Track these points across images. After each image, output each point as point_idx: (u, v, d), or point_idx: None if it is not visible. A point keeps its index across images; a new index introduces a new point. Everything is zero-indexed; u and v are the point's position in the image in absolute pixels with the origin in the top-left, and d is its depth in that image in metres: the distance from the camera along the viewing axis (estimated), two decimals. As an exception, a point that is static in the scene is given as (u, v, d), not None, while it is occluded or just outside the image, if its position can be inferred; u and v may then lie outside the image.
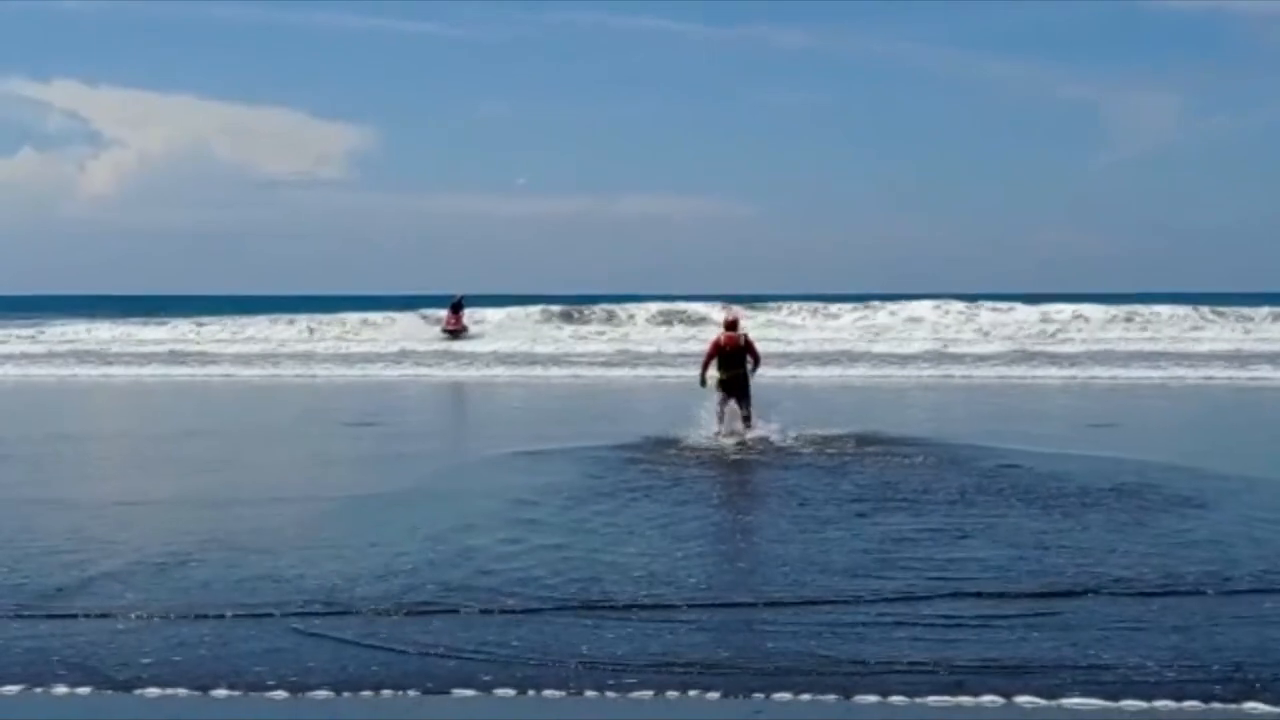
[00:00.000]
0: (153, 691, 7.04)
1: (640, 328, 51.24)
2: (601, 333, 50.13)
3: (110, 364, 38.00)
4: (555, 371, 35.28)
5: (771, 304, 54.77)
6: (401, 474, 15.29)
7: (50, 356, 40.48)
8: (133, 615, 8.50)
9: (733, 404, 17.28)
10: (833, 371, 34.39)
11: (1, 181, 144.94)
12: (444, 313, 50.10)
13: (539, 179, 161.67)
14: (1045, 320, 49.01)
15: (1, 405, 27.72)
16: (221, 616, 8.48)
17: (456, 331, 47.65)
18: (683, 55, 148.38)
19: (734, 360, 17.24)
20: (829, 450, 16.39)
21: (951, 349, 40.43)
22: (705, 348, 18.45)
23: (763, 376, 18.60)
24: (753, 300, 55.80)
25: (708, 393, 17.74)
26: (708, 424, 17.39)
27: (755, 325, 37.65)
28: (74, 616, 8.51)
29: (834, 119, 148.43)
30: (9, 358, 40.04)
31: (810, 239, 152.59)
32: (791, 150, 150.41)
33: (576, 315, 53.67)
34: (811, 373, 33.41)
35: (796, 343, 42.61)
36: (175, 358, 40.25)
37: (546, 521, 12.02)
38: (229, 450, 18.26)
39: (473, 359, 39.32)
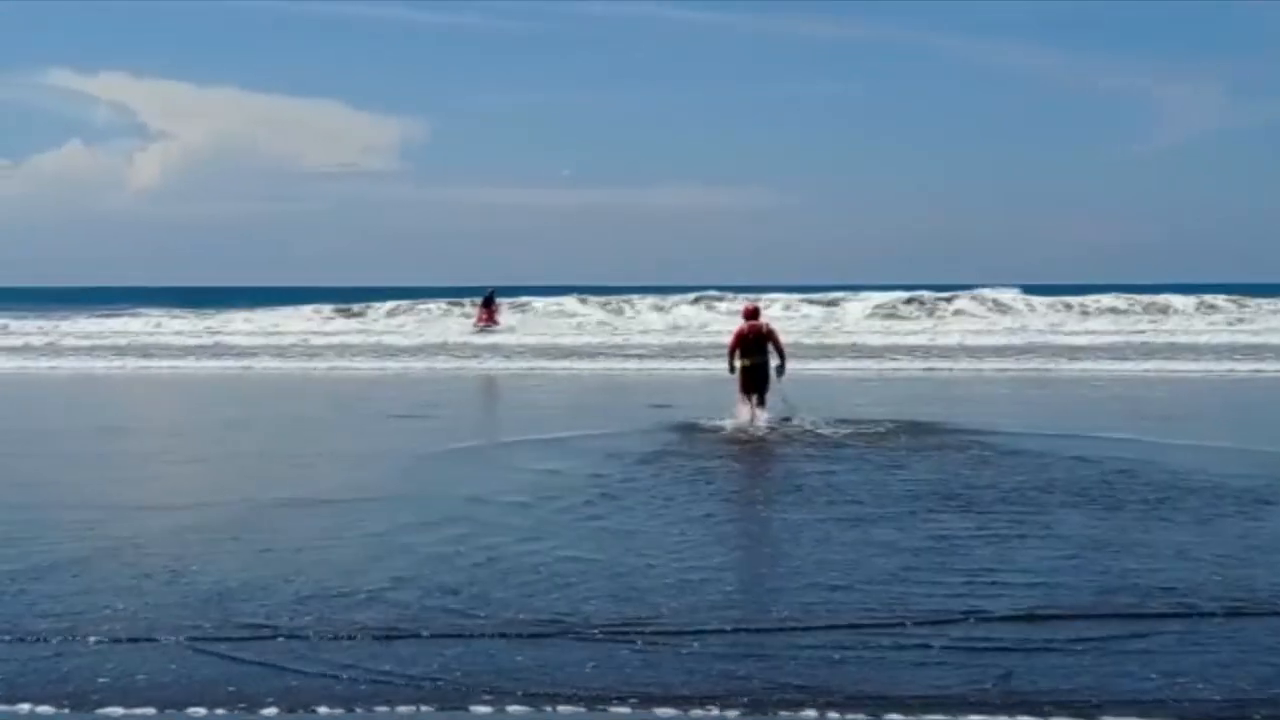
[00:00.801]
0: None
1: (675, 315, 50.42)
2: (639, 327, 49.13)
3: (150, 356, 37.50)
4: (585, 364, 34.29)
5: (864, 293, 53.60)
6: (419, 472, 14.61)
7: (94, 350, 40.15)
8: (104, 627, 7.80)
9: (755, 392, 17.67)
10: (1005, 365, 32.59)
11: (50, 174, 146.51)
12: (474, 307, 49.26)
13: (588, 170, 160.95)
14: (1147, 310, 48.65)
15: (42, 398, 27.16)
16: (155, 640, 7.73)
17: (489, 326, 46.42)
18: (725, 46, 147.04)
19: (755, 348, 17.61)
20: (884, 443, 16.00)
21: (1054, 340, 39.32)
22: (728, 339, 18.86)
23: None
24: (821, 290, 54.48)
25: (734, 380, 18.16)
26: (734, 412, 17.74)
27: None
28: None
29: (874, 109, 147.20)
30: (53, 350, 40.09)
31: (848, 229, 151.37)
32: (829, 140, 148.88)
33: (610, 305, 52.90)
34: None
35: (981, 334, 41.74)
36: (211, 351, 39.78)
37: (557, 520, 11.34)
38: (210, 449, 17.44)
39: (495, 351, 38.29)
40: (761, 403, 17.51)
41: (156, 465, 15.71)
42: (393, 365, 34.01)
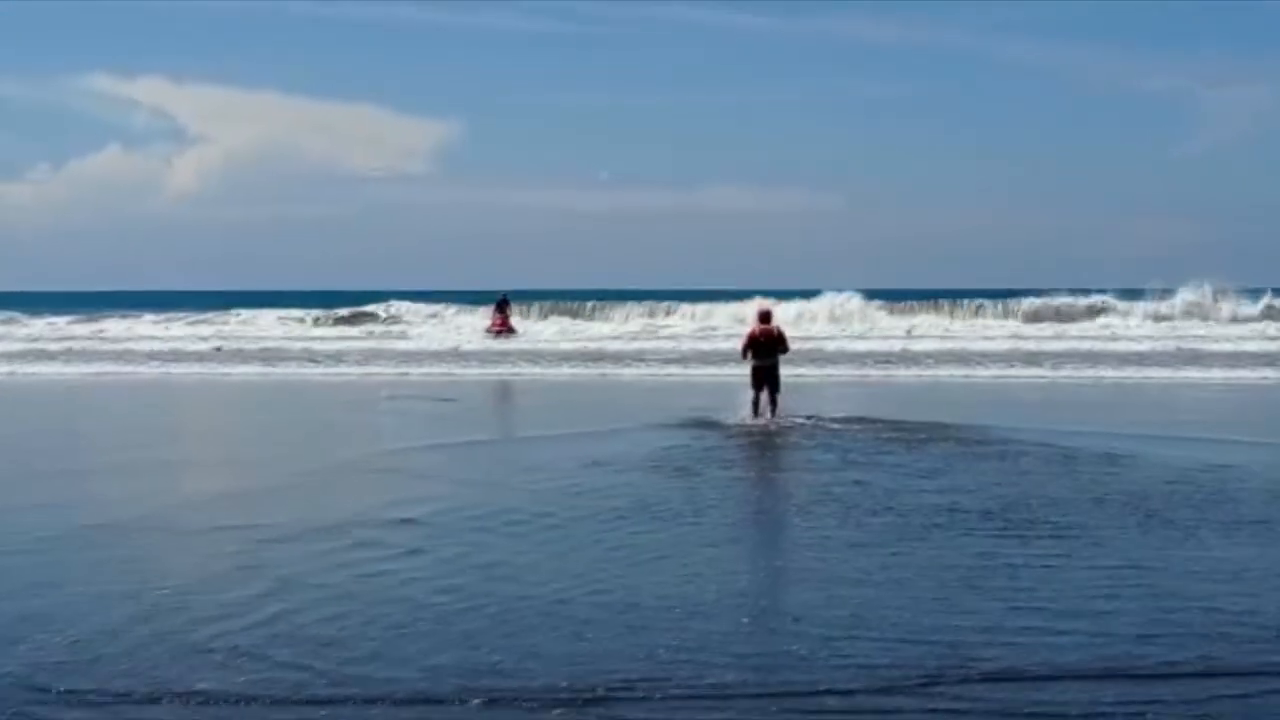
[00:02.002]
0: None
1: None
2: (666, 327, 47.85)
3: (162, 362, 36.31)
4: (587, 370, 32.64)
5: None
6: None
7: (121, 355, 39.03)
8: None
9: (765, 392, 18.26)
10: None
11: (90, 178, 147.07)
12: (487, 311, 47.14)
13: (623, 172, 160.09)
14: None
15: (74, 402, 26.08)
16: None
17: (503, 332, 44.27)
18: (765, 48, 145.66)
19: (767, 350, 18.23)
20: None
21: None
22: (741, 339, 19.57)
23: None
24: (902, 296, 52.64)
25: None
26: (747, 408, 18.38)
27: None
28: None
29: (921, 110, 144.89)
30: (95, 354, 38.74)
31: (897, 231, 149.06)
32: (878, 142, 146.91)
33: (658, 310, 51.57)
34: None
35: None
36: (221, 356, 38.43)
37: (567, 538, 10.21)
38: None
39: (504, 356, 36.61)
40: (773, 400, 18.08)
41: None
42: (350, 371, 32.68)
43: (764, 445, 16.49)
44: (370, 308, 54.00)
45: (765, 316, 18.94)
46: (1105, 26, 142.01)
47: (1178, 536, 10.20)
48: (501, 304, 45.89)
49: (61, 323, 53.20)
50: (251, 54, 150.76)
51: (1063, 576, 8.87)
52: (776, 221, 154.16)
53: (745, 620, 7.87)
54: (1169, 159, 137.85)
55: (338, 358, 36.45)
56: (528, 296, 52.23)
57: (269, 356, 37.44)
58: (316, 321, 52.35)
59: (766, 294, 53.10)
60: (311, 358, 36.70)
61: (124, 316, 54.90)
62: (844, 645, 7.23)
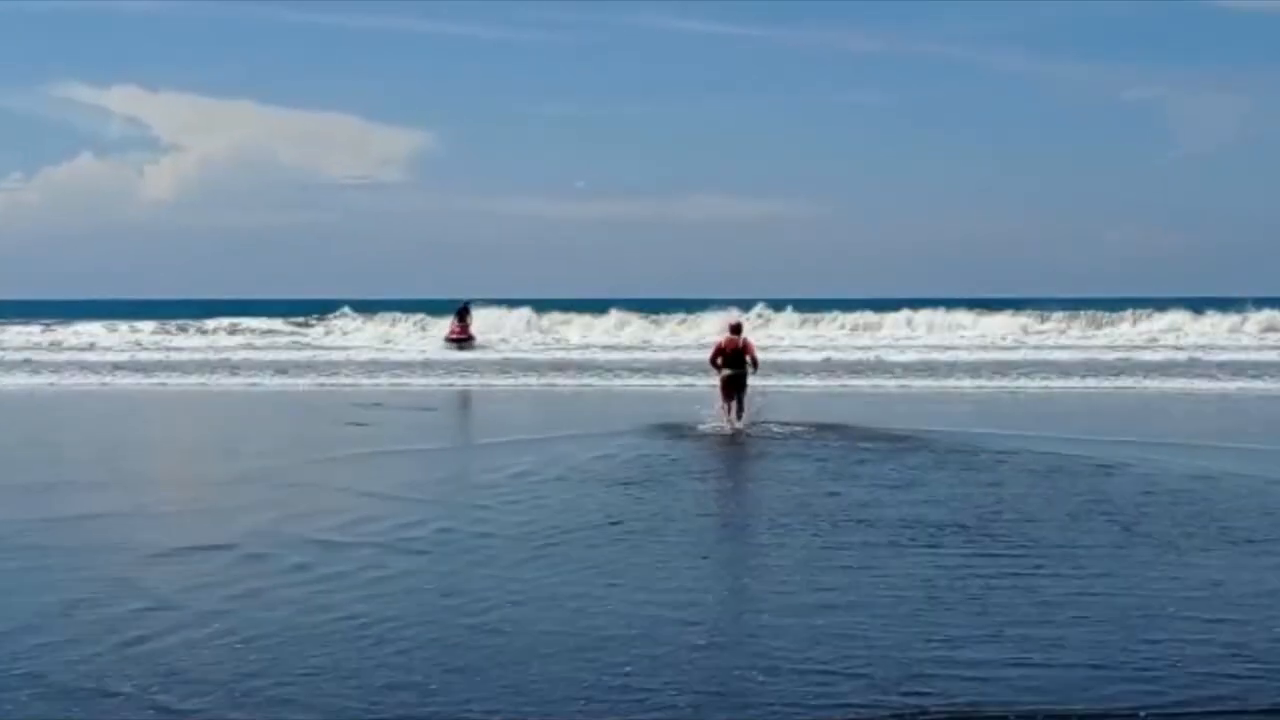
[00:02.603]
0: None
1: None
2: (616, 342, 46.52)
3: (133, 372, 35.10)
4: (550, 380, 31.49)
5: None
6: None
7: (67, 365, 38.08)
8: None
9: (734, 400, 18.95)
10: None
11: (62, 186, 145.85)
12: (448, 321, 45.11)
13: (601, 182, 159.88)
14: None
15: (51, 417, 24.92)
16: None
17: (462, 340, 42.44)
18: (744, 57, 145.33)
19: (735, 360, 19.01)
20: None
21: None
22: (710, 349, 20.25)
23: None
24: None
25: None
26: (716, 416, 18.97)
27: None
28: None
29: (905, 119, 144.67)
30: (76, 365, 37.15)
31: (878, 240, 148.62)
32: (858, 151, 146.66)
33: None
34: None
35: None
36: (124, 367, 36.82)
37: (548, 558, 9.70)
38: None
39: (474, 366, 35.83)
40: (740, 406, 18.86)
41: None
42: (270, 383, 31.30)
43: (732, 452, 16.74)
44: (315, 318, 53.42)
45: (735, 329, 19.69)
46: (1087, 36, 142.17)
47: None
48: (462, 312, 44.27)
49: (35, 331, 52.14)
50: (225, 63, 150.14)
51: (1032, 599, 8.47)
52: (756, 231, 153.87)
53: (700, 644, 7.43)
54: (1151, 167, 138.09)
55: (254, 368, 35.35)
56: (501, 304, 51.43)
57: (177, 367, 36.06)
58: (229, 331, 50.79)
59: (744, 302, 52.86)
60: (232, 369, 35.37)
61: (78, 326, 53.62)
62: (798, 675, 6.79)
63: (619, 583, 8.93)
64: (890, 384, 29.17)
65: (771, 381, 24.02)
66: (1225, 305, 49.90)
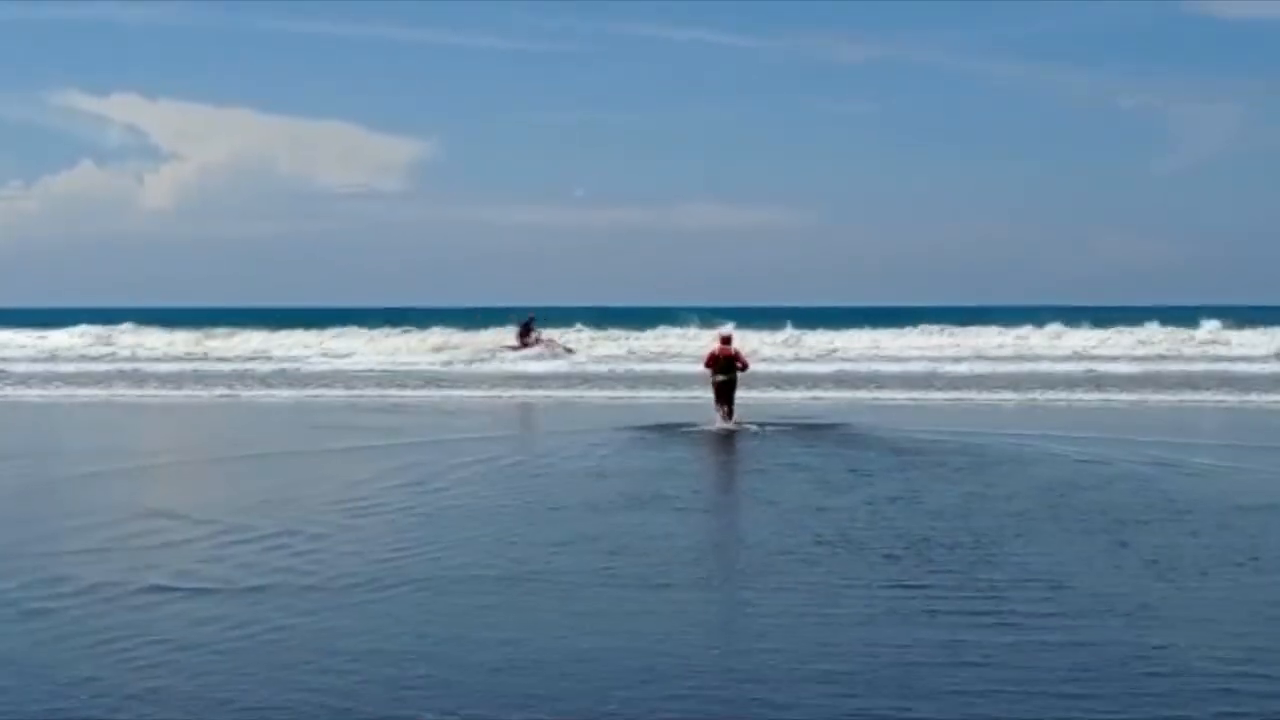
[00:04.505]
0: None
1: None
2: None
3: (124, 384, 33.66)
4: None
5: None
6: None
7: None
8: None
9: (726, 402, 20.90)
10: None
11: (62, 194, 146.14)
12: (509, 334, 43.55)
13: (598, 190, 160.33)
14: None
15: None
16: None
17: (524, 347, 41.25)
18: (739, 66, 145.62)
19: (726, 367, 20.95)
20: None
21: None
22: (704, 356, 22.05)
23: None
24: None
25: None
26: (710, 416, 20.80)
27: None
28: None
29: (894, 128, 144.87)
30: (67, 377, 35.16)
31: (872, 249, 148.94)
32: (849, 160, 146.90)
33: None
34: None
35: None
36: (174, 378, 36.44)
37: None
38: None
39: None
40: (730, 409, 20.79)
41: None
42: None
43: (726, 449, 18.44)
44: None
45: (726, 339, 21.79)
46: (1079, 45, 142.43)
47: None
48: (526, 326, 42.71)
49: (24, 337, 51.53)
50: (224, 71, 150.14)
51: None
52: (753, 238, 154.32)
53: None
54: (1144, 176, 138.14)
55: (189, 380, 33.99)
56: (501, 314, 51.33)
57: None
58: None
59: (741, 311, 53.19)
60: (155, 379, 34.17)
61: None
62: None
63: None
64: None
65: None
66: (1226, 313, 49.29)
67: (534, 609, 8.40)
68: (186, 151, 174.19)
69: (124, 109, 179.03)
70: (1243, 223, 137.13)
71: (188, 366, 39.40)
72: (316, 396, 28.64)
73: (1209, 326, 45.90)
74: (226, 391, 29.98)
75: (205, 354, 45.19)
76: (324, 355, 44.10)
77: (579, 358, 41.00)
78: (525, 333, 42.72)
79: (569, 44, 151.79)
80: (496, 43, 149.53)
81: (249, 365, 39.43)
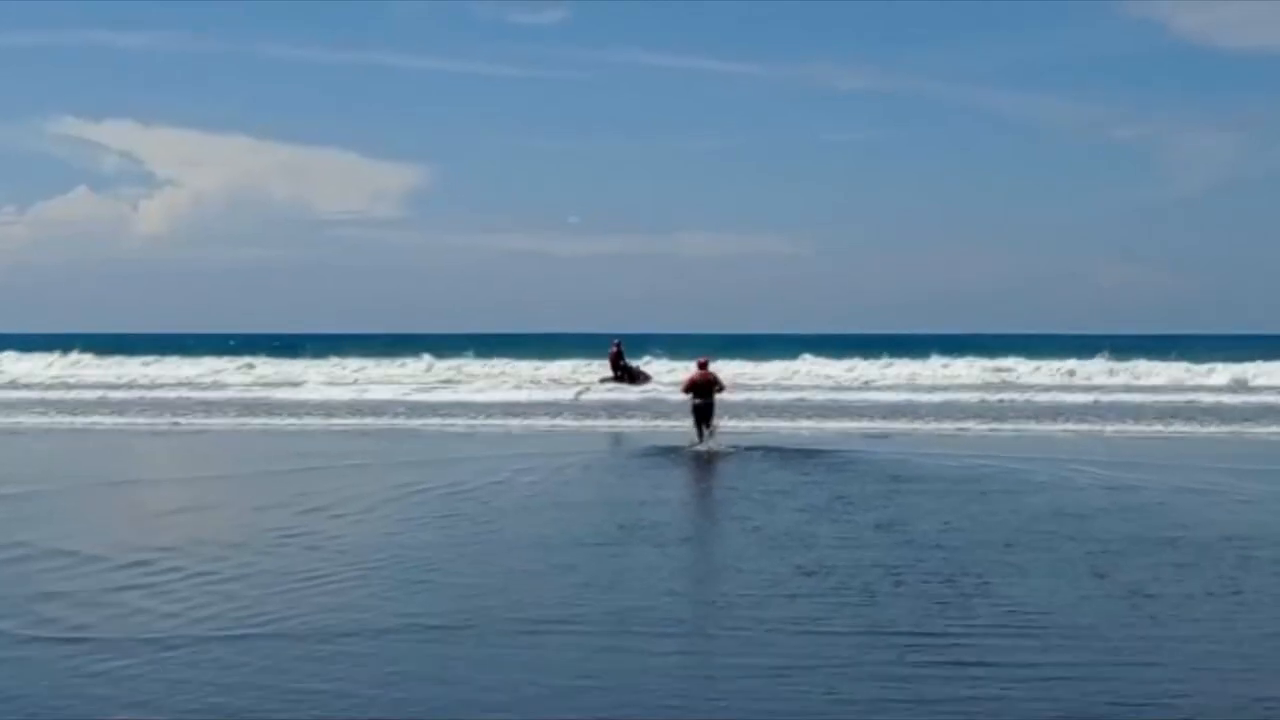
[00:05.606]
0: None
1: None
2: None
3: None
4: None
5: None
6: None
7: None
8: None
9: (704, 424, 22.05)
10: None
11: (58, 220, 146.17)
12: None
13: (596, 217, 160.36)
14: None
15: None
16: None
17: (619, 379, 39.28)
18: (736, 93, 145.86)
19: (704, 390, 22.17)
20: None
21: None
22: (683, 381, 23.75)
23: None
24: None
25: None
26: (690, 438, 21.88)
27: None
28: None
29: (886, 158, 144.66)
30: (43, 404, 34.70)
31: (864, 277, 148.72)
32: (847, 188, 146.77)
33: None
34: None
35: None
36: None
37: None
38: None
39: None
40: (709, 428, 21.93)
41: None
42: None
43: (712, 472, 18.96)
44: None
45: (704, 365, 22.85)
46: (1074, 75, 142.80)
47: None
48: (616, 353, 40.58)
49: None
50: (220, 98, 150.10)
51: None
52: (750, 266, 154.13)
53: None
54: (1137, 207, 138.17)
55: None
56: (497, 341, 50.92)
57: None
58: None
59: (740, 339, 52.99)
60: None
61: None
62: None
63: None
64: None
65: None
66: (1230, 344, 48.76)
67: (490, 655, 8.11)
68: (182, 178, 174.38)
69: (119, 136, 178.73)
70: (1237, 253, 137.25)
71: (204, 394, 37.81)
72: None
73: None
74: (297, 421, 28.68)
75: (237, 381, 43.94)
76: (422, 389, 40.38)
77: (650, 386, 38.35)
78: (617, 361, 40.69)
79: (566, 71, 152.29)
80: (493, 69, 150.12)
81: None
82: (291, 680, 7.38)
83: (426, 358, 49.43)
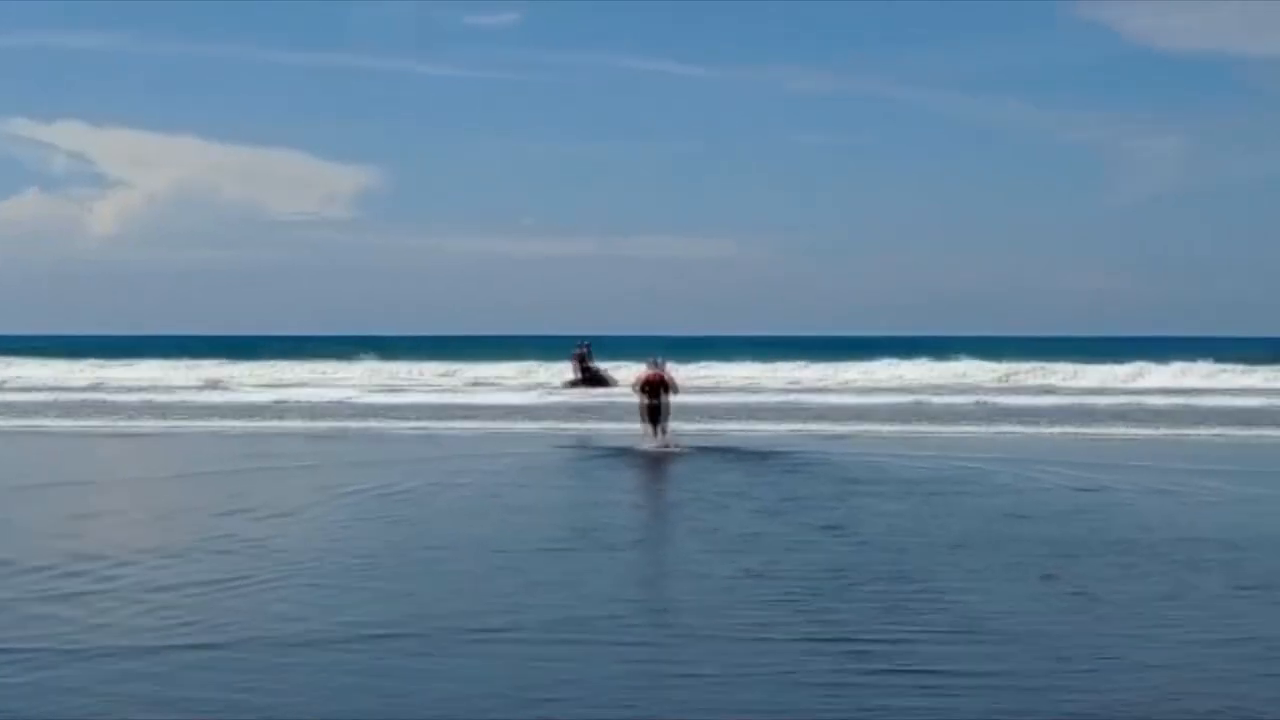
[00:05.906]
0: None
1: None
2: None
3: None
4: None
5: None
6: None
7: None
8: None
9: (656, 422, 22.15)
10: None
11: (8, 221, 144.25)
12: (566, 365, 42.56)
13: (550, 220, 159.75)
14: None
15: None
16: None
17: (585, 382, 40.18)
18: (695, 97, 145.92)
19: (655, 390, 22.17)
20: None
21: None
22: (633, 379, 23.76)
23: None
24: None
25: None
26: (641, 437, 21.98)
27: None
28: None
29: (847, 161, 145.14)
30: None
31: (827, 280, 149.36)
32: (804, 192, 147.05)
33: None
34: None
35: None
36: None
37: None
38: None
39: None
40: (663, 428, 21.97)
41: None
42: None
43: (665, 474, 18.70)
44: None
45: (655, 364, 23.01)
46: (1031, 78, 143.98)
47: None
48: (581, 354, 41.26)
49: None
50: (171, 98, 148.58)
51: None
52: (706, 269, 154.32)
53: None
54: (1093, 210, 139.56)
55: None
56: (450, 343, 51.12)
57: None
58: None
59: (697, 340, 53.10)
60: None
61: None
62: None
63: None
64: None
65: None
66: (1181, 346, 50.13)
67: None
68: (134, 179, 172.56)
69: (70, 136, 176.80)
70: (1189, 256, 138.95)
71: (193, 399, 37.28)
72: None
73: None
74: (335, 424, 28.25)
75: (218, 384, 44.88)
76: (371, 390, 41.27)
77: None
78: (584, 363, 41.00)
79: (521, 73, 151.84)
80: (445, 71, 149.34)
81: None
82: (225, 693, 7.09)
83: (373, 360, 49.48)
